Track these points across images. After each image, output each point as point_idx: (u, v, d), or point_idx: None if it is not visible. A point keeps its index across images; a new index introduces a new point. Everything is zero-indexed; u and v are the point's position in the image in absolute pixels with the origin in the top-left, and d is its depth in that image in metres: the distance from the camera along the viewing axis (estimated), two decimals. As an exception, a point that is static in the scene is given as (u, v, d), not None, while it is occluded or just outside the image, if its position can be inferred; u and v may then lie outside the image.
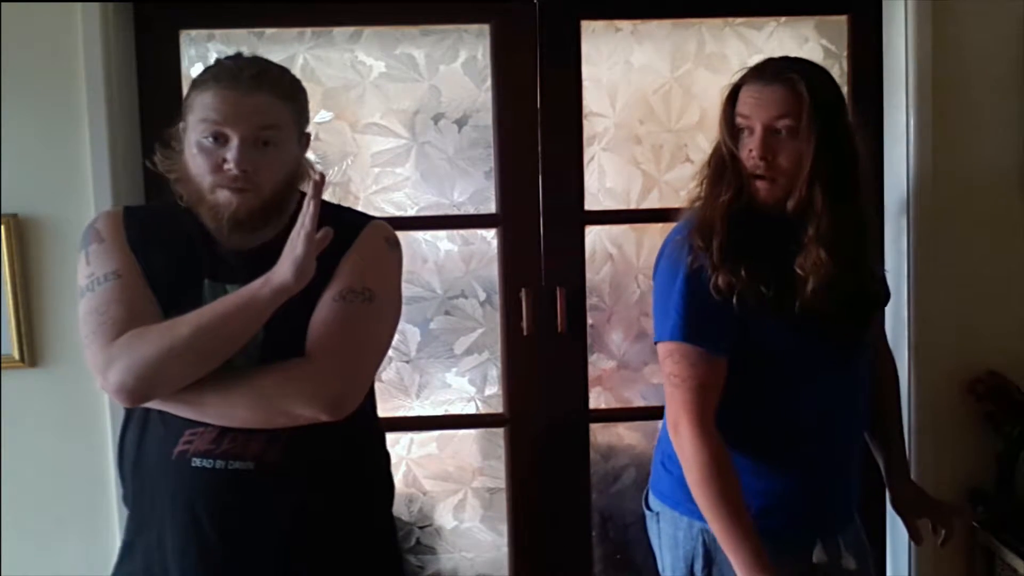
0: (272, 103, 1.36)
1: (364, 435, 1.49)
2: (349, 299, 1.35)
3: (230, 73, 1.34)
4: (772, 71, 1.54)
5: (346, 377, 1.34)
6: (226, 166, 1.33)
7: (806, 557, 1.59)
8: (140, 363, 1.27)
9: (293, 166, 1.42)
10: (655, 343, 1.59)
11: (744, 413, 1.57)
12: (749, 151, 1.54)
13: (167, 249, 1.40)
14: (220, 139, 1.34)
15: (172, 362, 1.28)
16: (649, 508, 1.71)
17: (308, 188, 1.33)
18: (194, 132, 1.35)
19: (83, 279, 1.37)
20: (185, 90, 1.49)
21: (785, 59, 1.60)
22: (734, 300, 1.50)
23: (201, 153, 1.34)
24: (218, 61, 1.40)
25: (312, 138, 1.50)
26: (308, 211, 1.26)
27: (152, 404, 1.34)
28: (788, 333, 1.53)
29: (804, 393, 1.57)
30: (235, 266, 1.38)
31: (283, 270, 1.28)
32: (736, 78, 1.59)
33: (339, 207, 1.48)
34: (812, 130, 1.49)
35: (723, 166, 1.57)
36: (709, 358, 1.52)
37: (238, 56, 1.43)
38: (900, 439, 1.81)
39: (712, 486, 1.50)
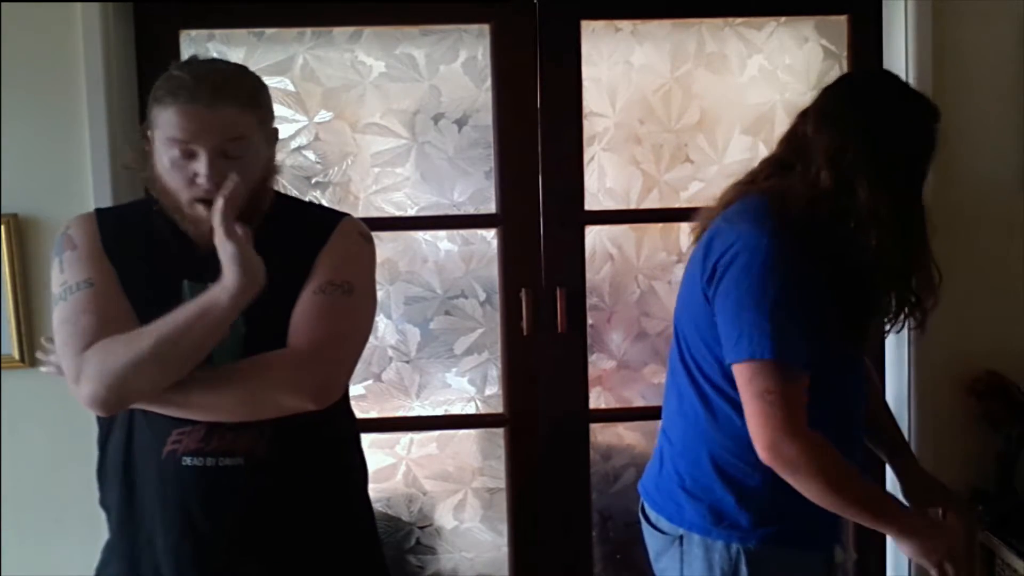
0: (234, 114, 1.33)
1: (343, 422, 1.51)
2: (329, 292, 1.37)
3: (187, 88, 1.31)
4: None
5: (329, 366, 1.35)
6: (198, 179, 1.32)
7: (831, 556, 1.60)
8: (108, 374, 1.27)
9: (264, 166, 1.42)
10: (734, 361, 1.43)
11: None
12: None
13: (142, 252, 1.39)
14: (188, 154, 1.33)
15: (138, 372, 1.27)
16: (660, 531, 1.63)
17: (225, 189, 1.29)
18: (162, 148, 1.33)
19: (57, 287, 1.36)
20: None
21: None
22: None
23: (173, 169, 1.33)
24: (171, 74, 1.35)
25: (312, 138, 1.49)
26: (217, 215, 1.25)
27: (136, 405, 1.34)
28: (843, 335, 1.50)
29: (841, 394, 1.55)
30: (217, 266, 1.37)
31: (228, 274, 1.27)
32: None
33: (311, 204, 1.47)
34: None
35: None
36: (805, 369, 1.41)
37: (192, 63, 1.38)
38: (898, 430, 1.80)
39: (844, 487, 1.43)
